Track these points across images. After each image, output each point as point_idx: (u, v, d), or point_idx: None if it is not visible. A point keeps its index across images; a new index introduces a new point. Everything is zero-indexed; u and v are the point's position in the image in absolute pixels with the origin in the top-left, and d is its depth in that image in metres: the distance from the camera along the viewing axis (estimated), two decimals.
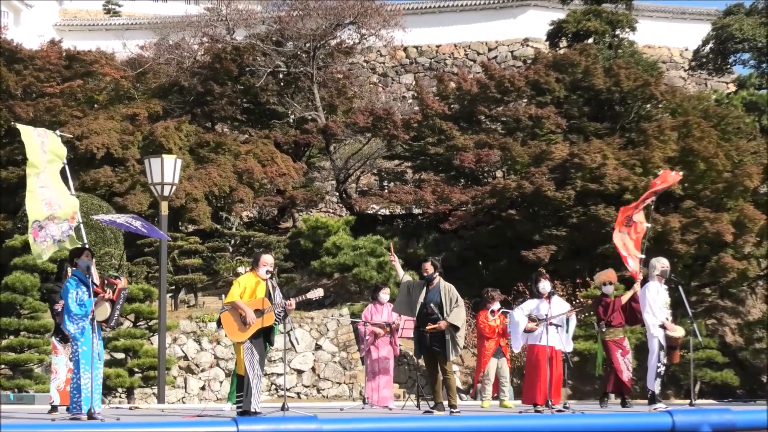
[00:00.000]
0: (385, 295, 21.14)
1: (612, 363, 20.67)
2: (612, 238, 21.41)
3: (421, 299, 17.37)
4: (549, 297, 18.51)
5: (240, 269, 37.49)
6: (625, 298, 20.79)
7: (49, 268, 29.29)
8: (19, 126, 17.55)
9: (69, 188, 17.16)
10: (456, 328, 17.14)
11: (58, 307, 17.33)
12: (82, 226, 16.88)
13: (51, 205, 16.63)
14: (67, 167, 17.28)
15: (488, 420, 14.07)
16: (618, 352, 20.55)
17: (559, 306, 18.53)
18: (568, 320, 18.60)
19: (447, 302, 17.35)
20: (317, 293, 16.13)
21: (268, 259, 15.82)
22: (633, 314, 20.42)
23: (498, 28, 61.20)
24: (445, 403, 17.73)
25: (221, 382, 31.57)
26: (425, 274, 17.61)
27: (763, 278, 38.37)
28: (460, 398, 26.87)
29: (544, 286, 18.57)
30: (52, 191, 16.73)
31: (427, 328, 17.31)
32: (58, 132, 17.60)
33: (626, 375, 20.57)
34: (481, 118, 43.10)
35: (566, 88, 41.98)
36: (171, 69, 47.72)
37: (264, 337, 15.66)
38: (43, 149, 16.92)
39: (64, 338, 17.45)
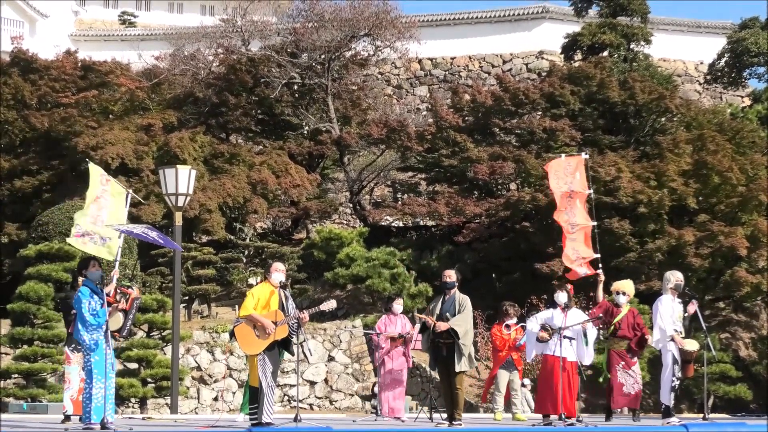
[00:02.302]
0: (398, 306, 21.12)
1: (609, 376, 20.58)
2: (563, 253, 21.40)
3: (437, 310, 17.32)
4: (566, 308, 18.40)
5: (252, 280, 37.51)
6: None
7: (63, 277, 29.40)
8: (91, 165, 18.69)
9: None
10: (456, 333, 17.01)
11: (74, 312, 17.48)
12: (120, 249, 17.45)
13: (96, 223, 17.47)
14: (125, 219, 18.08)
15: None
16: (620, 364, 20.40)
17: (575, 318, 18.44)
18: (585, 333, 18.41)
19: (458, 311, 17.31)
20: (330, 305, 16.10)
21: (279, 266, 15.80)
22: (640, 341, 20.31)
23: (513, 41, 61.28)
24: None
25: (234, 393, 31.55)
26: (448, 281, 17.50)
27: None
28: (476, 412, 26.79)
29: (560, 297, 18.48)
30: (104, 217, 17.68)
31: (428, 319, 17.21)
32: (130, 191, 18.46)
33: (629, 388, 20.36)
34: (496, 131, 43.11)
35: (581, 101, 41.96)
36: (186, 80, 47.82)
37: (283, 347, 15.67)
38: (103, 192, 17.88)
39: (77, 347, 17.52)
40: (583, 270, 20.83)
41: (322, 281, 38.86)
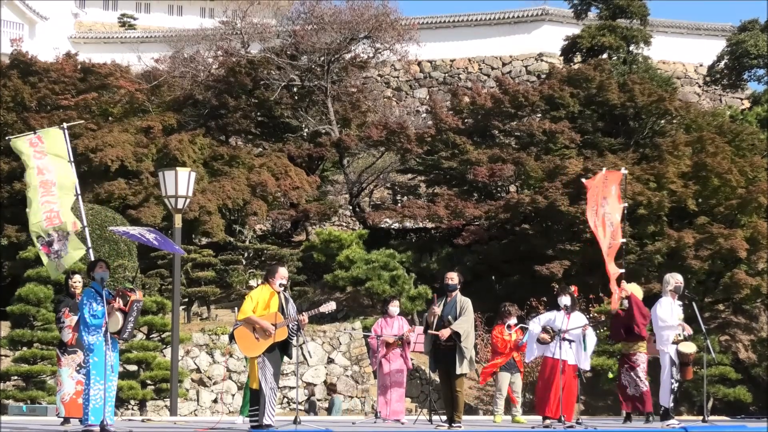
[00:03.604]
0: (394, 308, 21.02)
1: (618, 378, 20.59)
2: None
3: (438, 313, 17.30)
4: (569, 311, 18.37)
5: (252, 282, 37.49)
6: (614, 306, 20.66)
7: (62, 279, 29.39)
8: (12, 139, 17.56)
9: (76, 190, 17.16)
10: (458, 335, 17.01)
11: (61, 316, 17.48)
12: (87, 230, 16.89)
13: (51, 219, 16.72)
14: (72, 165, 17.19)
15: None
16: (624, 366, 20.37)
17: (577, 321, 18.42)
18: (585, 338, 18.35)
19: (460, 314, 17.30)
20: (330, 306, 16.10)
21: (283, 272, 15.81)
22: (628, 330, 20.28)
23: (512, 43, 61.29)
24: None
25: (233, 395, 31.54)
26: (450, 283, 17.48)
27: None
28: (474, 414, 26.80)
29: (564, 300, 18.46)
30: (56, 199, 16.79)
31: (430, 332, 17.22)
32: (64, 125, 17.49)
33: (633, 390, 20.31)
34: (495, 133, 43.14)
35: (580, 103, 41.98)
36: (185, 82, 47.85)
37: (281, 350, 15.66)
38: (39, 153, 16.90)
39: (66, 350, 17.55)
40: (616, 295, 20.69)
41: (322, 283, 38.87)
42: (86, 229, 17.20)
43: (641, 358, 20.41)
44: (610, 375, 21.62)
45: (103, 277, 15.16)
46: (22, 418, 23.05)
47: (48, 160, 17.49)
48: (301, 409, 28.99)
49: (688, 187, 37.27)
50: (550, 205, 36.79)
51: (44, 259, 17.12)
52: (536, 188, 38.87)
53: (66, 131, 17.58)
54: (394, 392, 20.64)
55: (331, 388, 32.19)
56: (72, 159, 17.55)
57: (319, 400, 32.56)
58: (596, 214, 20.79)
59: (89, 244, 17.01)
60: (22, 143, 17.56)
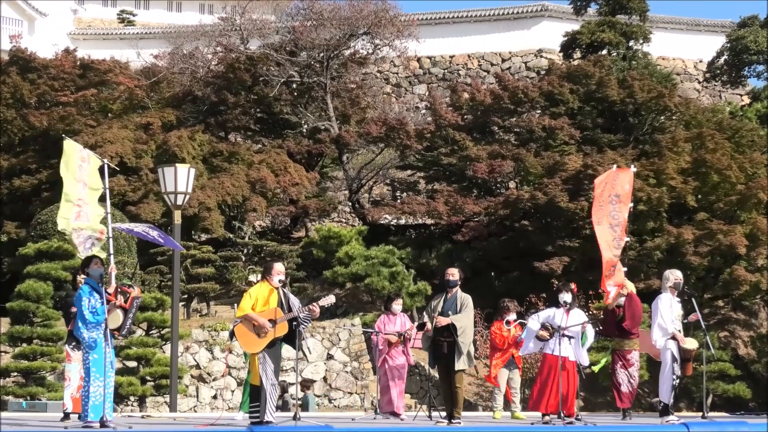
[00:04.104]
0: (397, 306, 21.11)
1: (612, 375, 20.68)
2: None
3: (439, 309, 17.31)
4: (568, 308, 18.38)
5: (252, 278, 37.50)
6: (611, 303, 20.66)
7: (62, 276, 29.42)
8: (67, 139, 17.41)
9: (107, 210, 17.17)
10: (454, 328, 17.00)
11: (74, 310, 17.42)
12: (111, 240, 16.89)
13: (80, 216, 16.69)
14: (108, 195, 17.13)
15: (498, 431, 14.05)
16: (618, 364, 20.44)
17: (576, 318, 18.43)
18: (584, 334, 18.38)
19: (460, 310, 17.31)
20: (329, 300, 16.09)
21: (280, 268, 15.82)
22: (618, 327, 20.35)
23: (512, 39, 61.31)
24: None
25: (233, 392, 31.55)
26: (450, 279, 17.49)
27: None
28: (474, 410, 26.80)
29: (564, 297, 18.47)
30: (89, 207, 16.78)
31: (439, 320, 17.21)
32: (106, 160, 17.33)
33: (625, 387, 20.36)
34: (495, 129, 43.12)
35: (580, 100, 41.98)
36: (185, 78, 47.81)
37: (289, 343, 15.70)
38: (81, 168, 16.87)
39: (78, 345, 17.51)
40: (614, 290, 20.64)
41: (321, 280, 38.85)
42: (111, 240, 17.17)
43: (635, 356, 20.53)
44: (601, 363, 21.55)
45: (102, 273, 15.17)
46: (22, 414, 23.05)
47: (84, 181, 17.35)
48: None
49: (688, 183, 37.28)
50: (550, 201, 36.79)
51: (73, 236, 17.00)
52: (536, 184, 38.86)
53: (107, 168, 17.37)
54: (397, 387, 20.69)
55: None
56: (107, 187, 17.38)
57: (317, 396, 32.56)
58: (601, 210, 20.77)
59: (111, 251, 17.00)
60: (73, 150, 17.28)
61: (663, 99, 41.54)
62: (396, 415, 20.49)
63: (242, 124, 47.61)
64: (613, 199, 20.87)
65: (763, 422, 16.72)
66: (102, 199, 16.93)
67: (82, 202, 16.67)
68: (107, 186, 17.10)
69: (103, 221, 17.20)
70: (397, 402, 20.67)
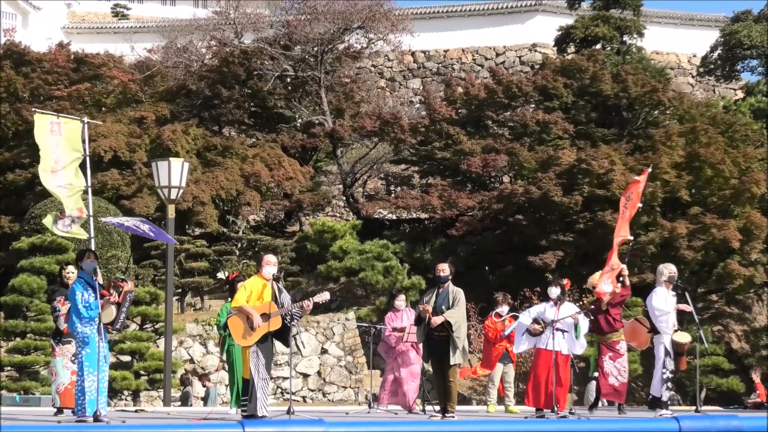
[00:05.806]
0: (400, 302, 20.99)
1: (598, 367, 20.67)
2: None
3: (432, 304, 17.33)
4: (558, 302, 18.43)
5: (220, 274, 37.55)
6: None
7: (56, 270, 29.39)
8: (37, 112, 17.38)
9: (87, 184, 17.12)
10: (449, 325, 17.02)
11: (57, 304, 17.40)
12: (92, 219, 16.86)
13: (58, 178, 16.73)
14: (87, 160, 17.15)
15: (491, 424, 14.05)
16: (607, 355, 20.45)
17: (567, 311, 18.48)
18: (576, 325, 18.44)
19: (453, 305, 17.33)
20: (324, 296, 16.10)
21: (270, 258, 15.82)
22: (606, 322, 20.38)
23: (506, 34, 61.23)
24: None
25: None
26: (441, 275, 17.54)
27: None
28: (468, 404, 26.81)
29: (552, 291, 18.54)
30: (67, 171, 16.77)
31: (425, 308, 17.21)
32: (86, 119, 17.38)
33: (614, 379, 20.37)
34: (489, 123, 43.12)
35: (574, 94, 41.97)
36: (179, 72, 47.72)
37: (280, 339, 15.70)
38: (55, 134, 16.83)
39: (61, 340, 17.52)
40: (609, 287, 20.65)
41: (315, 274, 38.85)
42: (91, 218, 17.14)
43: (624, 346, 20.54)
44: (591, 372, 21.67)
45: (95, 267, 15.16)
46: (16, 408, 23.04)
47: (61, 150, 17.40)
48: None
49: (682, 177, 37.29)
50: (544, 195, 36.80)
51: (50, 217, 17.08)
52: (530, 179, 38.86)
53: (86, 126, 17.43)
54: (414, 383, 20.46)
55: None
56: (87, 154, 17.42)
57: (312, 390, 32.58)
58: (626, 212, 20.93)
59: (92, 234, 16.97)
60: (43, 122, 17.35)
61: (657, 93, 41.55)
62: (410, 410, 20.32)
63: (236, 118, 47.55)
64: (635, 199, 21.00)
65: (754, 415, 16.74)
66: (82, 166, 16.79)
67: (57, 166, 16.63)
68: (87, 151, 17.06)
69: (84, 197, 17.16)
70: (412, 397, 20.49)
